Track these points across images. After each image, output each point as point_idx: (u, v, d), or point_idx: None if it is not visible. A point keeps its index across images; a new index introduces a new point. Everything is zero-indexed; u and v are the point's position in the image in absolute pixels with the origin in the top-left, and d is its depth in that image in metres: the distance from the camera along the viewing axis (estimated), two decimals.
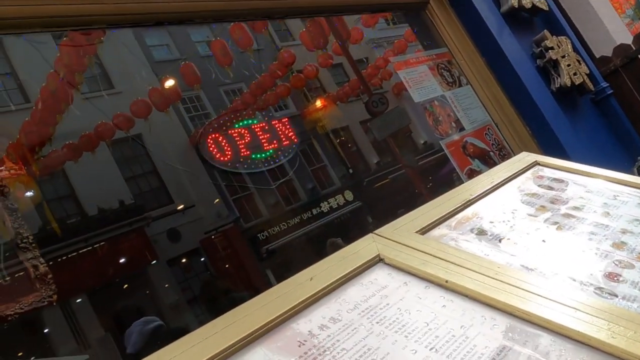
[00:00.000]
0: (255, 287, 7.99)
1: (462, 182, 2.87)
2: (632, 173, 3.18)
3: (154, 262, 9.04)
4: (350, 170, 13.47)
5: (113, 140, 6.68)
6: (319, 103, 11.86)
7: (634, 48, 3.83)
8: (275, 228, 9.88)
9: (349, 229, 10.01)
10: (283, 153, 8.50)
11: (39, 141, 5.70)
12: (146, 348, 3.06)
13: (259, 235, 9.62)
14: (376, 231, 1.11)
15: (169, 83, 5.93)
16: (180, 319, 8.93)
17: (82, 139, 6.45)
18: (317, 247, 8.33)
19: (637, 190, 1.42)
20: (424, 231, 1.13)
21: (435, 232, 1.15)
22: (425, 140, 15.65)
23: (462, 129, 3.15)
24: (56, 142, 6.33)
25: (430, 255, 1.00)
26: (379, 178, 13.96)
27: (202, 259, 9.76)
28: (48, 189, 8.54)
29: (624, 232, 1.18)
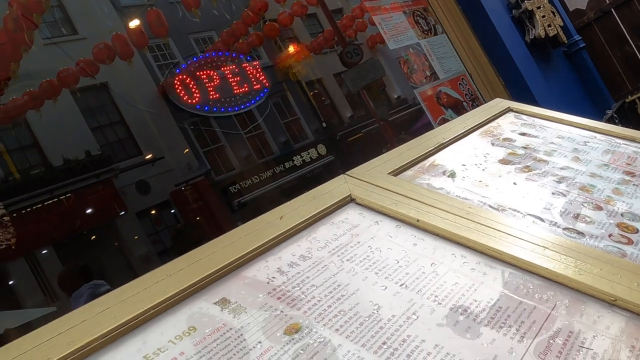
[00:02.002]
0: None
1: None
2: None
3: (123, 213, 8.92)
4: (324, 124, 13.36)
5: (77, 88, 6.41)
6: (292, 53, 11.59)
7: (607, 1, 3.82)
8: (247, 181, 9.82)
9: (322, 183, 10.03)
10: (254, 97, 8.31)
11: None
12: None
13: (230, 188, 9.55)
14: (348, 172, 1.08)
15: (134, 29, 5.65)
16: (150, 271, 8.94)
17: (43, 86, 6.16)
18: (290, 199, 8.35)
19: (607, 137, 1.43)
20: (396, 173, 1.11)
21: (408, 173, 1.14)
22: (399, 94, 15.56)
23: (436, 78, 3.12)
24: (15, 90, 6.05)
25: (402, 195, 0.98)
26: (353, 132, 13.90)
27: (172, 211, 9.67)
28: (9, 139, 8.21)
29: (592, 176, 1.18)
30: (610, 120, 3.36)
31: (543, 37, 3.51)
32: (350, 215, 0.95)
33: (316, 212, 0.93)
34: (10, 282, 8.29)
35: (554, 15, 3.75)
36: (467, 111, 3.11)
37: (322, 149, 13.00)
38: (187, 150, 9.06)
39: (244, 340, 0.66)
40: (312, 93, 13.69)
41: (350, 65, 7.56)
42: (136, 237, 9.13)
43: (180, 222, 9.49)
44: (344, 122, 14.28)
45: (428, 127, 3.26)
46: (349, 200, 0.99)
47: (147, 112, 8.55)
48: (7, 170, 8.04)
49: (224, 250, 0.80)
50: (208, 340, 0.66)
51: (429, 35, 3.27)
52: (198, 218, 9.33)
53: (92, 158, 8.90)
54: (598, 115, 3.59)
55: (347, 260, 0.82)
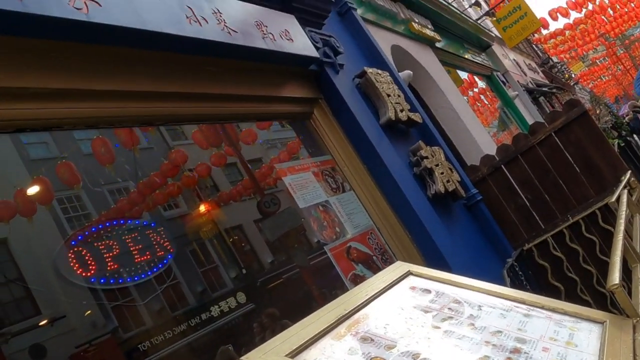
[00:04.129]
0: None
1: (350, 286, 2.87)
2: (502, 275, 3.42)
3: None
4: (244, 270, 13.09)
5: None
6: (211, 202, 11.69)
7: (497, 159, 4.28)
8: (159, 336, 9.09)
9: (241, 334, 9.51)
10: (156, 264, 8.00)
11: None
12: None
13: (139, 346, 8.75)
14: (244, 357, 1.02)
15: (40, 184, 5.49)
16: None
17: None
18: (206, 356, 7.73)
19: (501, 300, 1.49)
20: (294, 354, 1.06)
21: (307, 354, 1.09)
22: (319, 239, 15.85)
23: (345, 233, 3.21)
24: None
25: None
26: (273, 278, 13.66)
27: None
28: None
29: (487, 344, 1.20)
30: (511, 269, 3.56)
31: (443, 192, 3.79)
32: None
33: None
34: None
35: (452, 172, 4.12)
36: (377, 265, 3.18)
37: (241, 297, 12.53)
38: (88, 312, 8.37)
39: None
40: (231, 239, 13.58)
41: (268, 214, 7.70)
42: None
43: None
44: (264, 268, 14.07)
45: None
46: None
47: (50, 268, 7.97)
48: None
49: None
50: None
51: (338, 193, 3.43)
52: None
53: None
54: (500, 262, 3.80)
55: None
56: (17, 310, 8.46)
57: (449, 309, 1.39)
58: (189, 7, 2.54)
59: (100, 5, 2.06)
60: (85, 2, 2.00)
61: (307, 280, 9.20)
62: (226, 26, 2.75)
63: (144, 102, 2.42)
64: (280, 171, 3.12)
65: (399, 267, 1.67)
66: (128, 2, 2.20)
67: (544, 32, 17.33)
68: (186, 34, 2.45)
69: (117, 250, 6.82)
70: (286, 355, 1.05)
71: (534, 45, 19.79)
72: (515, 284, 3.43)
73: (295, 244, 8.82)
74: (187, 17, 2.50)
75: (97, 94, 2.19)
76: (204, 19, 2.61)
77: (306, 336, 1.13)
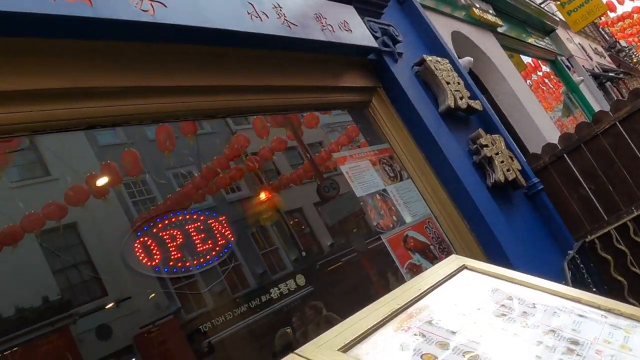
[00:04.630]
0: None
1: (407, 275, 2.90)
2: (562, 268, 3.33)
3: None
4: (303, 253, 13.35)
5: (43, 230, 6.26)
6: (272, 185, 11.95)
7: (559, 147, 4.13)
8: (220, 318, 9.42)
9: (300, 316, 9.73)
10: (218, 253, 8.23)
11: None
12: None
13: (201, 327, 9.13)
14: (297, 350, 1.09)
15: (110, 169, 5.84)
16: None
17: (4, 232, 6.01)
18: (265, 338, 7.97)
19: (556, 298, 1.48)
20: (346, 348, 1.12)
21: (359, 348, 1.15)
22: (376, 228, 15.83)
23: (402, 222, 3.23)
24: None
25: None
26: (332, 261, 13.83)
27: (133, 359, 9.00)
28: None
29: (539, 343, 1.21)
30: (572, 261, 3.46)
31: (503, 181, 3.72)
32: None
33: None
34: None
35: (512, 160, 4.02)
36: (434, 255, 3.19)
37: (301, 279, 12.76)
38: (153, 295, 8.78)
39: None
40: (291, 222, 13.86)
41: (327, 199, 7.77)
42: None
43: None
44: (323, 251, 14.27)
45: None
46: None
47: (117, 251, 8.43)
48: None
49: None
50: None
51: (395, 181, 3.45)
52: None
53: (49, 304, 8.50)
54: (561, 254, 3.69)
55: None
56: (85, 292, 9.04)
57: (502, 305, 1.40)
58: (250, 3, 2.61)
59: (165, 6, 2.17)
60: (151, 4, 2.12)
61: (365, 265, 9.28)
62: (286, 20, 2.81)
63: (207, 96, 2.54)
64: (338, 159, 3.18)
65: (453, 261, 1.68)
66: (192, 2, 2.30)
67: (611, 15, 16.19)
68: (248, 29, 2.53)
69: (181, 240, 7.14)
70: (339, 350, 1.11)
71: (600, 29, 18.61)
72: (577, 277, 3.33)
73: (354, 229, 8.90)
74: (249, 13, 2.58)
75: (163, 90, 2.32)
76: (265, 13, 2.68)
77: (359, 330, 1.19)
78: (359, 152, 3.42)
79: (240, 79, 2.70)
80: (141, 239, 6.81)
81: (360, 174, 3.23)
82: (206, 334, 8.64)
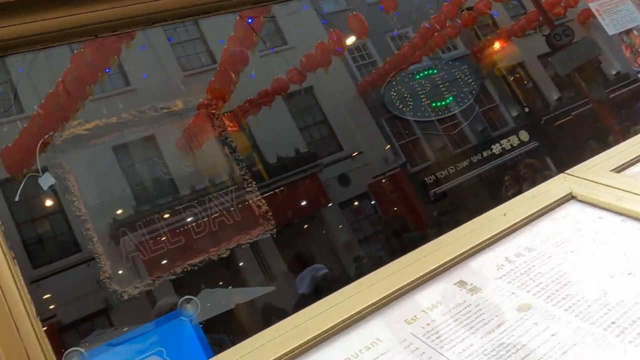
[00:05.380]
0: (425, 228, 8.13)
1: None
2: None
3: (328, 205, 9.70)
4: (526, 109, 12.56)
5: (288, 93, 7.22)
6: (491, 40, 11.16)
7: None
8: (443, 172, 9.77)
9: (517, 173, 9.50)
10: (460, 102, 8.35)
11: (223, 99, 6.42)
12: (316, 291, 3.46)
13: (426, 179, 9.64)
14: (567, 171, 1.14)
15: (336, 35, 6.21)
16: (352, 257, 9.51)
17: (261, 94, 7.08)
18: (487, 190, 8.12)
19: None
20: (619, 169, 1.13)
21: (632, 170, 1.14)
22: (619, 70, 13.74)
23: None
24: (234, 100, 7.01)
25: (627, 191, 1.01)
26: (560, 115, 12.79)
27: (372, 202, 10.19)
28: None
29: None
30: None
31: None
32: (571, 211, 1.03)
33: (537, 209, 1.03)
34: (240, 264, 9.68)
35: None
36: None
37: (524, 135, 12.18)
38: (388, 146, 9.44)
39: (482, 314, 0.81)
40: (512, 78, 12.96)
41: (558, 48, 7.01)
42: (340, 226, 9.85)
43: (379, 212, 9.94)
44: (549, 106, 13.21)
45: None
46: (569, 198, 1.06)
47: (346, 111, 9.17)
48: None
49: (455, 244, 0.96)
50: (453, 312, 0.83)
51: None
52: (395, 209, 9.66)
53: (300, 155, 9.87)
54: None
55: (571, 252, 0.91)
56: (325, 147, 10.20)
57: None
58: None
59: None
60: None
61: (603, 115, 8.35)
62: None
63: None
64: None
65: None
66: None
67: None
68: None
69: (428, 89, 7.45)
70: (611, 170, 1.12)
71: None
72: None
73: (590, 77, 7.93)
74: None
75: None
76: None
77: (632, 154, 1.17)
78: None
79: None
80: (394, 88, 7.39)
81: (614, 9, 2.82)
82: (430, 185, 9.17)
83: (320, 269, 3.62)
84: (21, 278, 1.18)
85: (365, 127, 9.77)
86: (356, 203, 10.13)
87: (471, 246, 0.94)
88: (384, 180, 9.78)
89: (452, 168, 9.86)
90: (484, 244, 0.95)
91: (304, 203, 9.57)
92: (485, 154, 10.18)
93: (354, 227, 10.24)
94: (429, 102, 7.69)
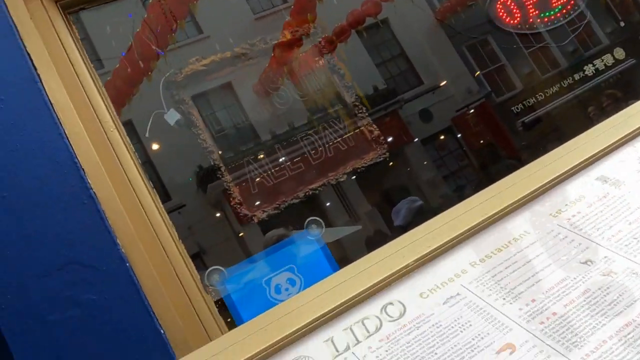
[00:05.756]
0: (515, 160, 7.91)
1: None
2: None
3: (412, 141, 9.62)
4: (622, 23, 11.47)
5: (362, 27, 7.05)
6: None
7: None
8: (531, 99, 9.31)
9: (622, 91, 8.83)
10: (569, 12, 7.99)
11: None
12: (412, 222, 3.49)
13: (513, 108, 9.24)
14: None
15: None
16: (438, 193, 9.46)
17: (336, 30, 6.94)
18: (582, 114, 7.68)
19: None
20: None
21: None
22: None
23: None
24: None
25: None
26: None
27: (458, 136, 9.98)
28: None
29: None
30: None
31: None
32: None
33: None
34: (327, 204, 9.94)
35: None
36: None
37: (619, 53, 11.26)
38: (477, 72, 9.12)
39: (628, 202, 0.83)
40: None
41: None
42: (425, 163, 9.80)
43: (464, 146, 9.74)
44: None
45: None
46: None
47: (425, 42, 8.88)
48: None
49: (596, 140, 0.97)
50: (597, 204, 0.86)
51: None
52: (482, 141, 9.40)
53: (379, 92, 9.74)
54: None
55: None
56: (404, 82, 10.00)
57: None
58: None
59: None
60: None
61: None
62: None
63: None
64: None
65: None
66: None
67: None
68: None
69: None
70: None
71: None
72: None
73: None
74: None
75: None
76: None
77: None
78: None
79: None
80: (500, 1, 7.25)
81: None
82: (518, 114, 8.80)
83: (416, 201, 3.66)
84: (162, 206, 1.34)
85: (445, 58, 9.43)
86: (439, 138, 9.95)
87: (611, 142, 0.95)
88: (468, 114, 9.47)
89: (540, 95, 9.36)
90: (624, 140, 0.95)
91: (390, 139, 9.54)
92: (577, 76, 9.54)
93: (437, 163, 10.13)
94: (536, 12, 7.38)
